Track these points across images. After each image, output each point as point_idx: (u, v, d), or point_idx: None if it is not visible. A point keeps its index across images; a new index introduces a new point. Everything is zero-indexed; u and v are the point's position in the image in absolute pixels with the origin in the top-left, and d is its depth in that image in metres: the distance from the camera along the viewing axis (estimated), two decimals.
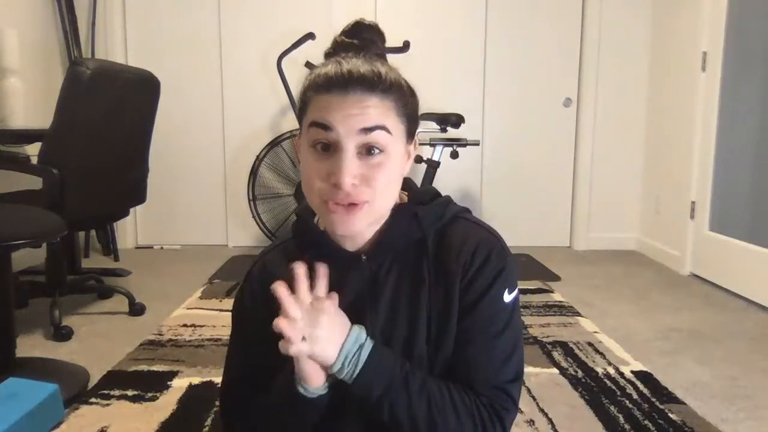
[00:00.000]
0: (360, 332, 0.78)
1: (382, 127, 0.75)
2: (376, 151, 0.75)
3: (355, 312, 0.82)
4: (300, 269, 0.77)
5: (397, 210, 0.84)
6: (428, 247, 0.84)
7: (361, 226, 0.78)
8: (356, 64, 0.76)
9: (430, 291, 0.83)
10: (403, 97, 0.78)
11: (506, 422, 0.83)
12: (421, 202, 0.86)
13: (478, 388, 0.81)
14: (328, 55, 0.83)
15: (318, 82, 0.77)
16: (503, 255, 0.83)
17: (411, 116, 0.81)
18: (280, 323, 0.72)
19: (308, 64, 3.35)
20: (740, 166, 2.94)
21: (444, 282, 0.82)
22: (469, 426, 0.79)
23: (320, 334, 0.74)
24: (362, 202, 0.75)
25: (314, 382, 0.77)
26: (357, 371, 0.76)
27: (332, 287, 0.83)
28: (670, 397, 1.71)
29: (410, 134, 0.82)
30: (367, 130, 0.74)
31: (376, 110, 0.75)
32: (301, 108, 0.81)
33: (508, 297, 0.83)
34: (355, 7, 3.60)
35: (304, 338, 0.74)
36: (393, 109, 0.77)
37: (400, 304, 0.83)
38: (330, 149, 0.75)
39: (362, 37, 0.82)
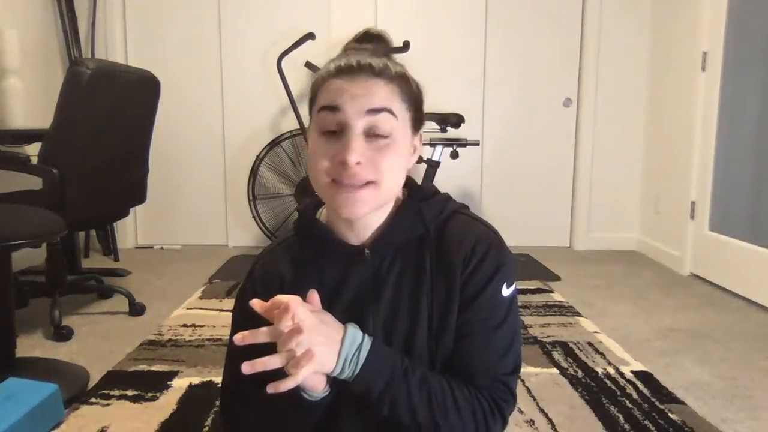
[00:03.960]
0: (356, 332, 0.77)
1: (388, 110, 0.77)
2: (383, 134, 0.77)
3: (357, 306, 0.82)
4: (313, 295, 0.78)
5: (402, 205, 0.86)
6: (431, 242, 0.85)
7: (366, 209, 0.78)
8: (363, 56, 0.79)
9: (432, 285, 0.83)
10: (408, 85, 0.81)
11: (506, 414, 0.84)
12: (422, 198, 0.87)
13: (478, 380, 0.82)
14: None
15: (328, 72, 0.80)
16: (502, 250, 0.85)
17: (416, 105, 0.83)
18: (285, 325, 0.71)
19: (308, 64, 3.35)
20: (740, 166, 2.94)
21: (445, 276, 0.83)
22: (469, 419, 0.80)
23: (318, 341, 0.73)
24: (367, 182, 0.76)
25: (317, 389, 0.77)
26: (357, 371, 0.75)
27: (335, 282, 0.83)
28: (670, 397, 1.71)
29: (416, 124, 0.83)
30: (374, 111, 0.76)
31: (382, 93, 0.77)
32: (310, 101, 0.83)
33: (506, 291, 0.84)
34: (354, 8, 3.60)
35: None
36: (398, 95, 0.79)
37: (402, 297, 0.84)
38: (338, 133, 0.77)
39: (370, 44, 0.86)
